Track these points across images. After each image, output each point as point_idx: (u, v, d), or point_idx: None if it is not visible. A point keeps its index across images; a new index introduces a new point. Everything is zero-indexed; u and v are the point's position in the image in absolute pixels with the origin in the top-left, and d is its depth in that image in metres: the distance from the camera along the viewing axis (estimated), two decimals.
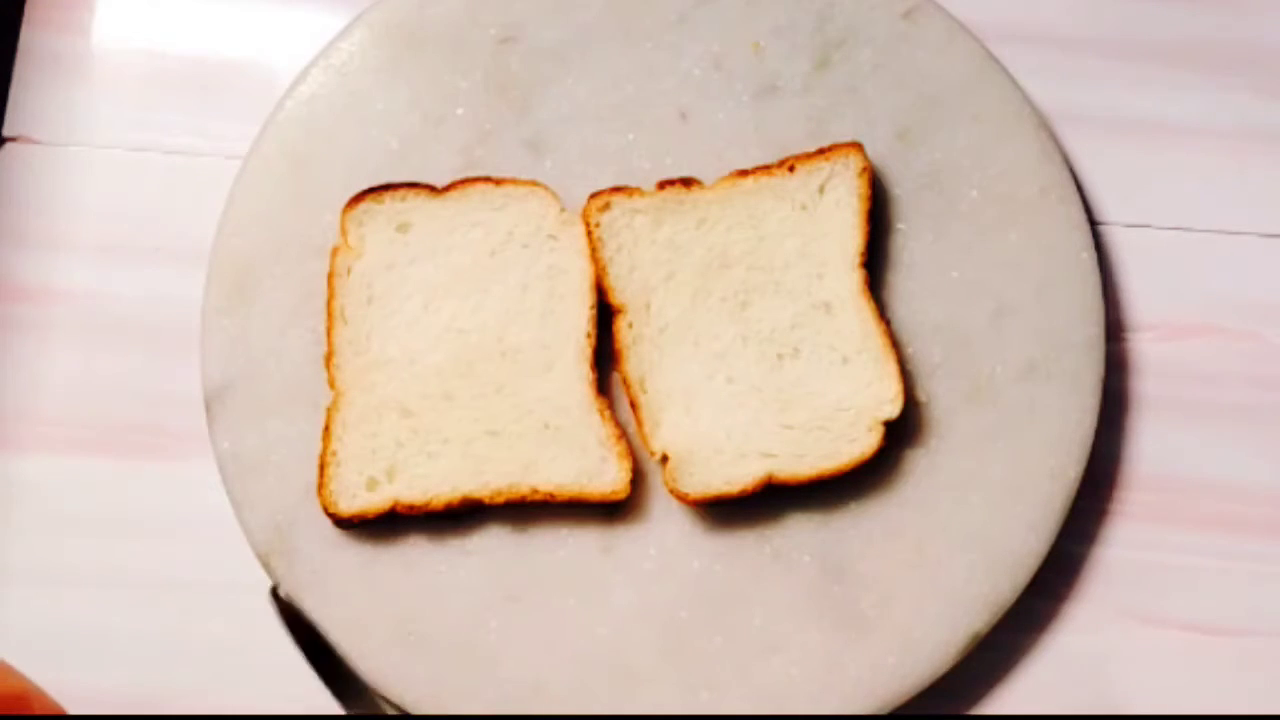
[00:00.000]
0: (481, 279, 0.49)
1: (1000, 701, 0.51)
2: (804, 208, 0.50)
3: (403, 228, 0.50)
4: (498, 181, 0.50)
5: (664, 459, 0.48)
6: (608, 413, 0.49)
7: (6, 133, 0.55)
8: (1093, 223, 0.53)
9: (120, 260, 0.54)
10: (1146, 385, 0.53)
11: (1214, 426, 0.53)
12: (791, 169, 0.50)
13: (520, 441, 0.48)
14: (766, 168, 0.50)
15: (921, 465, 0.50)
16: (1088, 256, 0.51)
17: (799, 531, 0.49)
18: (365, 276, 0.49)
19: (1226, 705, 0.51)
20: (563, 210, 0.50)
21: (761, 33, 0.52)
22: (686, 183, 0.50)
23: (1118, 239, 0.54)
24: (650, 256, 0.49)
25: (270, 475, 0.49)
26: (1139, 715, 0.51)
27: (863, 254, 0.49)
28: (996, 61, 0.52)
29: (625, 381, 0.49)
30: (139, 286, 0.53)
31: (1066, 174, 0.52)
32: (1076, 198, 0.51)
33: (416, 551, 0.49)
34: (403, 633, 0.48)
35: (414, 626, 0.49)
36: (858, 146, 0.50)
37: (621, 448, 0.48)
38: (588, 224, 0.49)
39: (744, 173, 0.50)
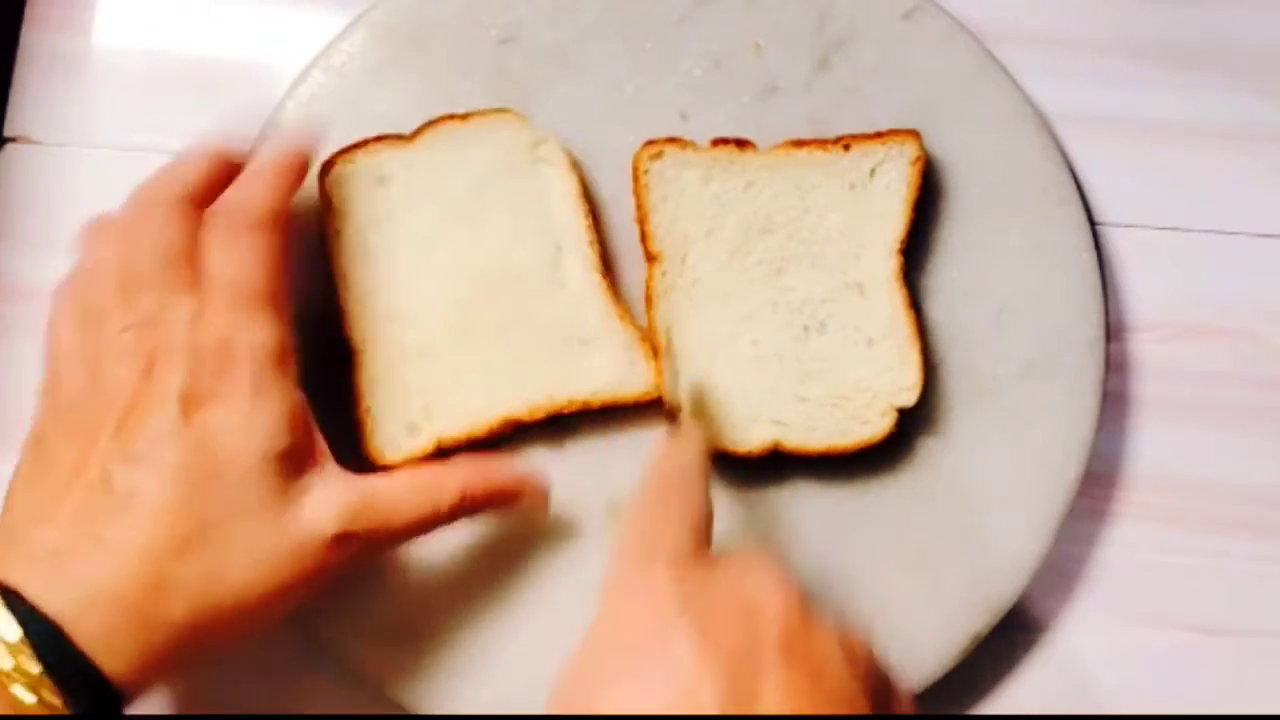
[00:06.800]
0: (472, 213, 0.49)
1: (1000, 701, 0.51)
2: (852, 187, 0.50)
3: (381, 180, 0.50)
4: (463, 117, 0.50)
5: (679, 409, 0.48)
6: (628, 317, 0.49)
7: (6, 133, 0.55)
8: (1093, 223, 0.53)
9: None
10: (1146, 385, 0.53)
11: (1214, 426, 0.53)
12: (847, 147, 0.50)
13: (548, 360, 0.48)
14: (822, 142, 0.50)
15: (922, 466, 0.50)
16: (1088, 257, 0.51)
17: (798, 531, 0.49)
18: (356, 235, 0.49)
19: (1227, 705, 0.51)
20: (534, 131, 0.50)
21: (761, 33, 0.52)
22: (740, 144, 0.50)
23: (1118, 239, 0.54)
24: (694, 211, 0.50)
25: None
26: (1139, 715, 0.51)
27: (903, 241, 0.49)
28: (996, 61, 0.52)
29: (651, 329, 0.49)
30: None
31: (1066, 174, 0.52)
32: (1076, 198, 0.51)
33: (417, 550, 0.49)
34: (403, 633, 0.49)
35: (414, 626, 0.49)
36: (915, 135, 0.50)
37: (647, 349, 0.48)
38: (636, 170, 0.50)
39: (799, 143, 0.50)
